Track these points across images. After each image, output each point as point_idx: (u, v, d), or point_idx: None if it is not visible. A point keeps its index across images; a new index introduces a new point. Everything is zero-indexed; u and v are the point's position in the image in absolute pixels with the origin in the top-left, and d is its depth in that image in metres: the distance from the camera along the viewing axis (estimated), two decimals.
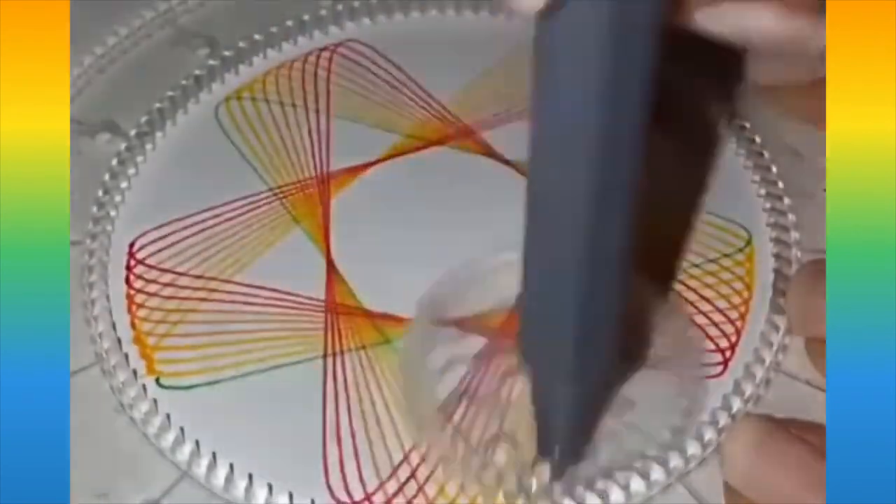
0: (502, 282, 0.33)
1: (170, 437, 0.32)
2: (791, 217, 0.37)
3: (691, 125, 0.39)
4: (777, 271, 0.36)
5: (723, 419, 0.32)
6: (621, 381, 0.33)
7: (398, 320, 0.35)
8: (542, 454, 0.31)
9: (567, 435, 0.30)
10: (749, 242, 0.37)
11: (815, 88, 0.37)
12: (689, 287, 0.36)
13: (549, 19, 0.22)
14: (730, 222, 0.37)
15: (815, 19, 0.30)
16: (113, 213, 0.37)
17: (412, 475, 0.32)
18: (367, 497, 0.31)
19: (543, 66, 0.23)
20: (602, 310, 0.27)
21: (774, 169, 0.38)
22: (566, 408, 0.29)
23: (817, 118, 0.37)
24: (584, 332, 0.27)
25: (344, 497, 0.32)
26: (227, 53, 0.42)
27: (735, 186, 0.38)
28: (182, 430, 0.32)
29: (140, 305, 0.35)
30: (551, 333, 0.28)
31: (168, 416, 0.33)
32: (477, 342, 0.34)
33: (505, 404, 0.33)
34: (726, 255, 0.37)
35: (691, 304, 0.35)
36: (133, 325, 0.35)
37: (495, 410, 0.32)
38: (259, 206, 0.38)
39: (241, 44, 0.42)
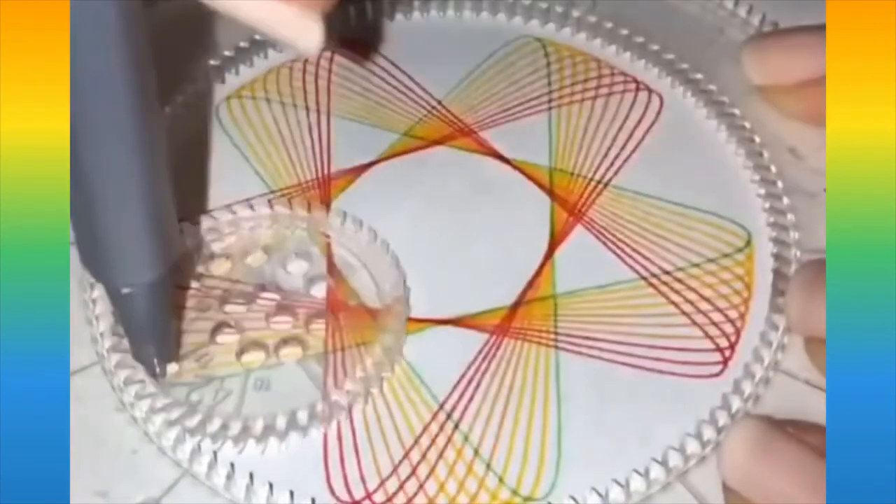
0: None
1: (171, 436, 0.32)
2: (790, 217, 0.37)
3: None
4: (777, 271, 0.36)
5: (722, 419, 0.33)
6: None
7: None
8: (138, 359, 0.33)
9: (156, 333, 0.32)
10: (749, 242, 0.37)
11: (814, 88, 0.37)
12: (689, 287, 0.36)
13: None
14: (729, 222, 0.37)
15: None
16: None
17: (413, 473, 0.32)
18: (368, 496, 0.32)
19: None
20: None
21: (773, 168, 0.38)
22: (144, 305, 0.31)
23: (816, 118, 0.38)
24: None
25: (344, 495, 0.32)
26: (227, 53, 0.42)
27: (734, 186, 0.38)
28: (183, 428, 0.32)
29: None
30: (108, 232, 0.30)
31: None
32: None
33: None
34: (726, 255, 0.37)
35: (691, 303, 0.35)
36: None
37: None
38: (259, 206, 0.38)
39: (242, 44, 0.42)
